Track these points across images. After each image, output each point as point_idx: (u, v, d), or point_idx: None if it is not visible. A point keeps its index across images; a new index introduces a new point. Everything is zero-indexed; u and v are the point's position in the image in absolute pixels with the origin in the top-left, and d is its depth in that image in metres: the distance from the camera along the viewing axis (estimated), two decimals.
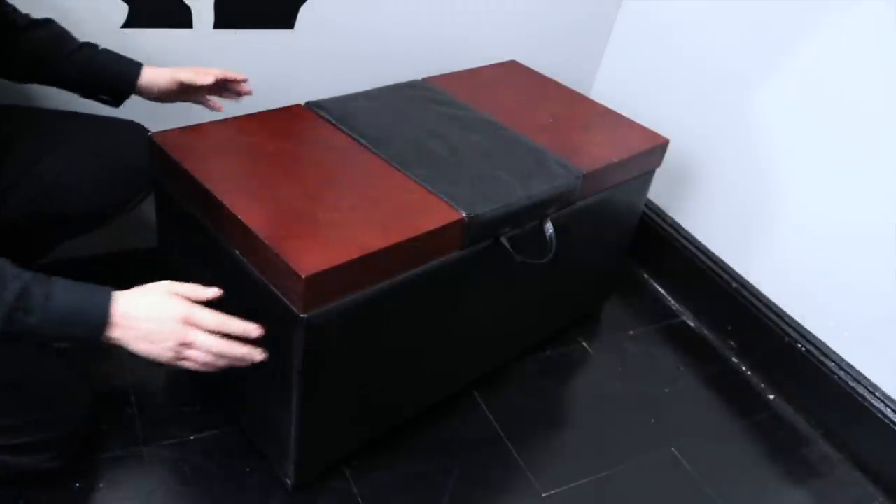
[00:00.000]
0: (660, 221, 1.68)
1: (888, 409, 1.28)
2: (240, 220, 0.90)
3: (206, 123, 1.08)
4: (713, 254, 1.58)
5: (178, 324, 0.82)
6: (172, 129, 1.07)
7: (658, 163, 1.36)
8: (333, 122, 1.15)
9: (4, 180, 0.99)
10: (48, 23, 1.05)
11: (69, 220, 1.07)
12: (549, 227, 1.12)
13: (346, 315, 0.90)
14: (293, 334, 0.89)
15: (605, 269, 1.49)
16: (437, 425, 1.23)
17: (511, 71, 1.49)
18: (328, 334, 0.92)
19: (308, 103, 1.18)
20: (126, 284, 0.82)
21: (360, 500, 1.09)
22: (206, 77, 1.09)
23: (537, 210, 1.11)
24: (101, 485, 1.04)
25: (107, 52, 1.07)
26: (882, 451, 1.30)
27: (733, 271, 1.54)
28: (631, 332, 1.55)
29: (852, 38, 1.27)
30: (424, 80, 1.35)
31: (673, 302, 1.66)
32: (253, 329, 0.85)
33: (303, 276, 0.83)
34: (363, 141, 1.11)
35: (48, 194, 1.02)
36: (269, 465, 1.10)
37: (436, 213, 0.99)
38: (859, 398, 1.32)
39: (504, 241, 1.06)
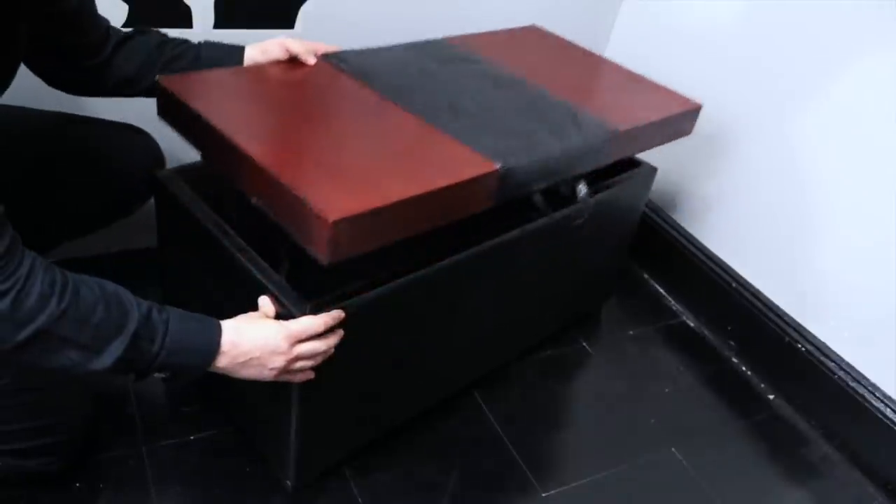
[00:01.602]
0: (660, 221, 1.68)
1: (888, 409, 1.28)
2: (256, 163, 0.82)
3: (216, 71, 1.02)
4: (713, 254, 1.58)
5: (284, 344, 0.84)
6: (180, 74, 1.00)
7: (689, 130, 1.30)
8: (353, 74, 1.08)
9: (7, 181, 0.99)
10: (137, 37, 1.03)
11: (69, 222, 1.07)
12: (583, 188, 1.05)
13: (345, 316, 0.90)
14: None
15: (605, 269, 1.49)
16: (437, 425, 1.23)
17: (533, 34, 1.45)
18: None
19: (325, 55, 1.11)
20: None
21: (359, 501, 1.09)
22: (311, 58, 1.09)
23: (571, 165, 1.04)
24: (101, 485, 1.04)
25: (207, 49, 1.06)
26: (882, 451, 1.30)
27: (733, 271, 1.54)
28: (631, 332, 1.55)
29: (852, 36, 1.27)
30: (445, 38, 1.28)
31: (673, 302, 1.66)
32: (340, 313, 0.87)
33: (329, 220, 0.75)
34: (387, 94, 1.03)
35: (50, 196, 1.02)
36: (268, 466, 1.10)
37: (469, 165, 0.92)
38: (859, 398, 1.32)
39: (538, 198, 1.00)
